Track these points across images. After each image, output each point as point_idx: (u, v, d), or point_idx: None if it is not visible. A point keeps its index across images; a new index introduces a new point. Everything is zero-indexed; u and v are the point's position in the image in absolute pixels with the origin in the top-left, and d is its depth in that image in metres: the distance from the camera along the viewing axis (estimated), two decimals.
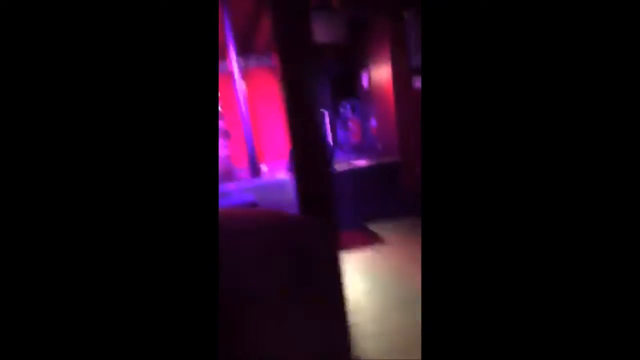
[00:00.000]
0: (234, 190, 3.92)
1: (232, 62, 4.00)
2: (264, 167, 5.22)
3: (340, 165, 4.49)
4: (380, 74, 4.86)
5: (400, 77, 4.33)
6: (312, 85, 1.41)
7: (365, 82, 5.82)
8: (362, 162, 4.56)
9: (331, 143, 6.41)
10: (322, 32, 4.62)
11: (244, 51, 6.08)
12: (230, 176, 4.56)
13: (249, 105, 6.30)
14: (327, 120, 6.42)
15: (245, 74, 6.25)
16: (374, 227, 3.81)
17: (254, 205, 3.86)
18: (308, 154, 1.42)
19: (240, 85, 4.05)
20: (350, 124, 6.48)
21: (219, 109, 5.19)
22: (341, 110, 6.76)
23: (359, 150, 6.27)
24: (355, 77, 6.19)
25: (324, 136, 1.53)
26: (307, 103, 1.42)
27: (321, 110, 5.66)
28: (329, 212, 1.40)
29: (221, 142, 4.55)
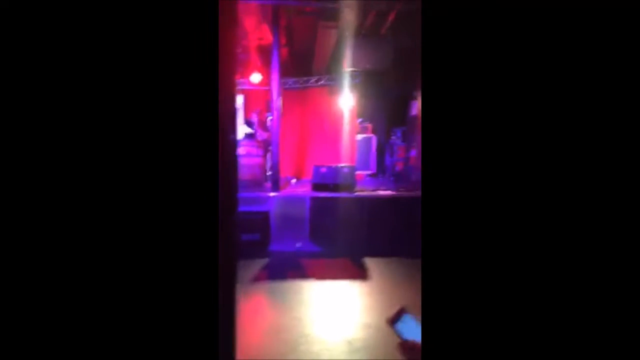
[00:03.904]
0: (255, 197, 4.16)
1: (273, 82, 4.34)
2: (293, 181, 5.40)
3: (365, 191, 4.38)
4: None
5: None
6: None
7: (413, 110, 5.61)
8: (386, 192, 4.38)
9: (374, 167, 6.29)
10: (370, 58, 4.67)
11: (304, 73, 6.50)
12: (260, 184, 4.85)
13: (304, 120, 6.65)
14: (372, 144, 6.35)
15: (304, 92, 6.66)
16: (370, 261, 3.58)
17: (265, 214, 4.04)
18: None
19: (277, 102, 4.35)
20: (398, 151, 6.28)
21: (267, 122, 5.61)
22: (392, 136, 6.61)
23: (398, 178, 5.99)
24: (406, 105, 6.01)
25: None
26: None
27: (370, 135, 5.65)
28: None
29: (256, 151, 4.88)
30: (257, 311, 2.50)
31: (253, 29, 5.17)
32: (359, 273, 3.28)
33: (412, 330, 0.72)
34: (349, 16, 4.33)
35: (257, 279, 3.11)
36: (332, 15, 4.48)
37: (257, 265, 3.45)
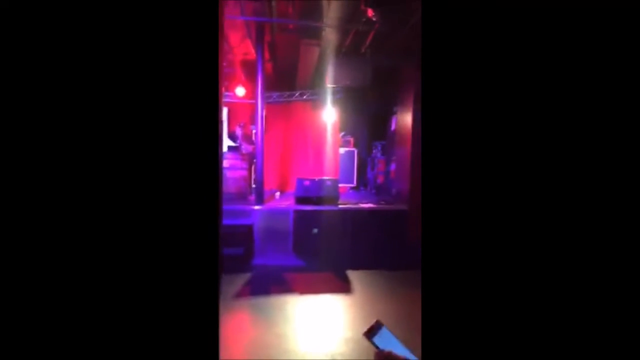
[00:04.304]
0: (239, 210, 4.17)
1: (258, 96, 4.42)
2: (277, 194, 5.44)
3: (348, 204, 4.47)
4: (404, 119, 4.83)
5: (419, 124, 4.26)
6: None
7: (393, 125, 5.80)
8: (368, 205, 4.48)
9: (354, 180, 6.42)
10: (350, 75, 4.83)
11: (288, 88, 6.62)
12: (245, 197, 4.86)
13: (288, 134, 6.73)
14: (355, 158, 6.49)
15: (288, 107, 6.76)
16: (353, 274, 3.66)
17: (249, 228, 4.05)
18: None
19: (261, 116, 4.42)
20: (378, 164, 6.45)
21: (252, 135, 5.65)
22: (373, 150, 6.79)
23: (379, 191, 6.14)
24: (387, 120, 6.21)
25: None
26: None
27: (352, 149, 5.71)
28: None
29: (241, 164, 4.91)
30: (240, 327, 2.51)
31: (238, 44, 5.26)
32: (342, 286, 3.34)
33: (388, 341, 0.77)
34: (330, 35, 4.49)
35: (240, 294, 3.11)
36: (314, 34, 4.63)
37: (241, 279, 3.45)
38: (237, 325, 2.52)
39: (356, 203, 4.57)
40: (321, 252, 3.93)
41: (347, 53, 4.77)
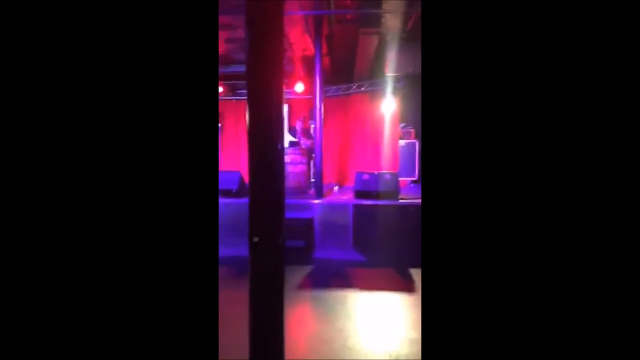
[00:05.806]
0: (299, 204, 4.28)
1: (317, 90, 4.44)
2: (335, 188, 5.44)
3: (409, 198, 4.29)
4: None
5: None
6: None
7: None
8: None
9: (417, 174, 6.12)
10: (413, 62, 4.58)
11: (346, 81, 6.54)
12: (304, 191, 4.96)
13: (346, 127, 6.68)
14: (416, 150, 6.18)
15: (346, 99, 6.70)
16: (416, 272, 3.48)
17: (309, 221, 4.12)
18: None
19: (320, 110, 4.44)
20: None
21: (310, 129, 5.73)
22: None
23: None
24: None
25: None
26: None
27: (413, 140, 5.49)
28: None
29: (300, 159, 5.01)
30: (302, 320, 2.57)
31: (297, 40, 5.34)
32: (404, 284, 3.22)
33: None
34: (390, 21, 4.29)
35: (301, 286, 3.19)
36: (373, 22, 4.47)
37: (303, 271, 3.54)
38: (299, 318, 2.59)
39: (418, 198, 4.35)
40: (381, 248, 3.84)
41: (409, 39, 4.51)
